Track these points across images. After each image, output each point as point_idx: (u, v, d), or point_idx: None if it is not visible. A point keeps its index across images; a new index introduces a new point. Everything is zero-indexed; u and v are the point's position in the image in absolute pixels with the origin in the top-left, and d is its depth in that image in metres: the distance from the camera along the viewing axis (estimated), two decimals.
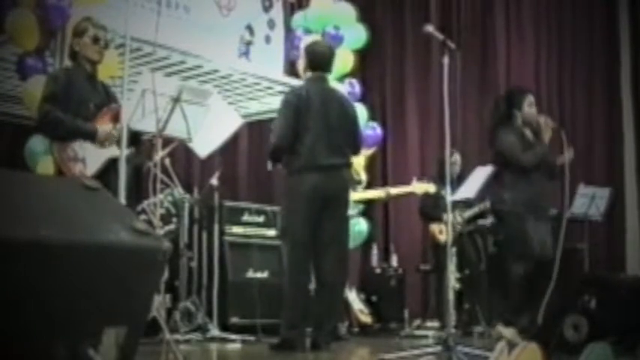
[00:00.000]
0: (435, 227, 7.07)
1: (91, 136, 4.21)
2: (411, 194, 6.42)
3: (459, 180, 6.40)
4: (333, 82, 7.52)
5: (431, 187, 6.13)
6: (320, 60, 4.86)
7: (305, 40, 7.33)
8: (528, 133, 5.26)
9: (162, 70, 6.20)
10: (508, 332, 4.96)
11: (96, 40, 4.35)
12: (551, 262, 5.03)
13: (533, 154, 5.12)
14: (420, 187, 6.18)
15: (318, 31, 7.48)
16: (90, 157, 4.19)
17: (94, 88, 4.42)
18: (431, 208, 6.97)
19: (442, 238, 6.92)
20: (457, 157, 6.99)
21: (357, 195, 6.35)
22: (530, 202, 5.12)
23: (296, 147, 4.64)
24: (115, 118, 4.27)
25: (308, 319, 4.70)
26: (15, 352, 2.15)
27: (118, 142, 4.04)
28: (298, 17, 7.64)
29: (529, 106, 5.23)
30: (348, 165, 4.85)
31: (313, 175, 4.62)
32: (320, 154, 4.64)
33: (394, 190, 6.36)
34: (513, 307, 5.12)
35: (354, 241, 7.33)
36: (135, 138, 4.33)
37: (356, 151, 4.99)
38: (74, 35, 4.42)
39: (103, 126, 4.24)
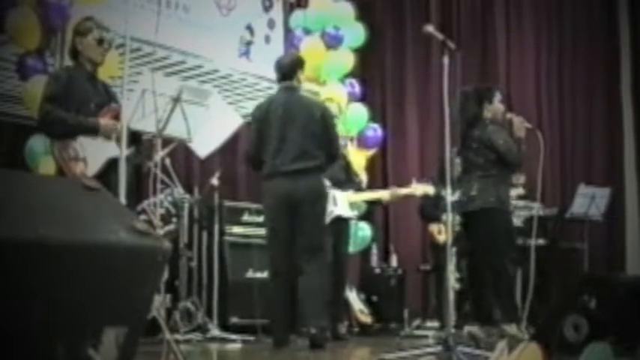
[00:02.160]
0: (433, 227, 7.07)
1: (94, 131, 4.21)
2: (410, 196, 6.41)
3: (460, 181, 6.39)
4: (334, 82, 7.55)
5: (430, 190, 6.13)
6: (280, 70, 5.09)
7: (304, 41, 7.34)
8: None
9: (162, 70, 6.19)
10: (510, 329, 4.96)
11: (100, 42, 4.35)
12: None
13: (518, 152, 5.15)
14: (420, 188, 6.18)
15: (318, 30, 7.48)
16: (91, 157, 4.19)
17: (95, 88, 4.42)
18: (430, 208, 6.97)
19: (441, 238, 6.92)
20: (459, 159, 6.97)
21: (361, 195, 6.33)
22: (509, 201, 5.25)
23: (263, 156, 4.89)
24: (116, 118, 4.26)
25: (295, 318, 4.90)
26: (15, 352, 2.15)
27: (118, 140, 4.03)
28: (297, 16, 7.63)
29: (499, 102, 5.28)
30: (319, 168, 4.93)
31: (276, 181, 4.83)
32: (282, 160, 4.82)
33: (401, 191, 6.33)
34: (509, 305, 5.11)
35: (358, 247, 7.33)
36: (135, 138, 4.33)
37: (331, 154, 5.03)
38: (77, 34, 4.41)
39: (106, 119, 4.25)
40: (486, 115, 5.20)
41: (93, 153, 4.20)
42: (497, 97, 5.28)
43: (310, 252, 4.81)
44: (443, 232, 6.89)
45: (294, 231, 4.82)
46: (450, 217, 4.48)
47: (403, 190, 6.27)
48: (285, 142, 4.83)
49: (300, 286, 4.82)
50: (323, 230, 5.02)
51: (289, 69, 5.06)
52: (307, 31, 7.46)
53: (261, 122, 4.93)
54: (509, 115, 5.19)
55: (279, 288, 4.82)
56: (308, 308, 4.78)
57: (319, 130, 4.93)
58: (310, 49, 7.26)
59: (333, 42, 7.42)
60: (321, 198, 4.96)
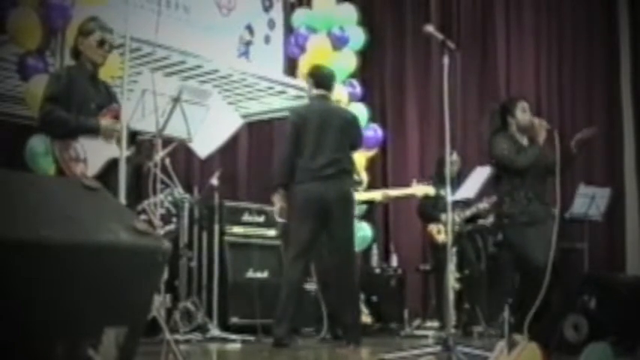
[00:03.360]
0: (432, 227, 7.07)
1: (95, 131, 4.21)
2: (410, 196, 6.42)
3: (456, 180, 6.40)
4: (337, 84, 7.53)
5: (430, 190, 6.14)
6: (317, 79, 5.31)
7: (310, 40, 7.33)
8: (522, 138, 5.22)
9: (162, 70, 6.19)
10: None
11: (102, 43, 4.35)
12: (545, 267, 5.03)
13: (524, 156, 5.09)
14: (420, 189, 6.19)
15: (323, 30, 7.47)
16: (91, 158, 4.19)
17: (96, 88, 4.42)
18: (429, 208, 6.98)
19: (440, 238, 6.92)
20: (455, 157, 6.98)
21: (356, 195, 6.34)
22: (527, 209, 5.11)
23: (298, 161, 5.05)
24: (116, 118, 4.26)
25: (298, 316, 5.08)
26: (15, 352, 2.15)
27: (119, 141, 4.03)
28: (299, 15, 7.60)
29: (522, 112, 5.20)
30: (349, 173, 5.18)
31: (310, 185, 5.00)
32: (317, 165, 5.00)
33: (392, 192, 6.36)
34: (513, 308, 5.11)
35: (359, 247, 7.33)
36: (133, 137, 4.33)
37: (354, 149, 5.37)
38: (79, 34, 4.41)
39: (106, 120, 4.25)
40: (512, 129, 5.21)
41: (93, 153, 4.20)
42: (520, 107, 5.22)
43: (343, 251, 5.05)
44: (442, 232, 6.90)
45: (318, 235, 5.03)
46: (450, 217, 4.48)
47: (394, 192, 6.30)
48: (321, 147, 5.04)
49: (335, 287, 5.12)
50: (353, 232, 5.24)
51: (327, 80, 5.31)
52: (313, 31, 7.43)
53: (299, 126, 5.11)
54: (532, 120, 5.17)
55: (288, 289, 4.94)
56: (340, 309, 5.06)
57: (351, 138, 5.22)
58: (317, 48, 7.25)
59: (339, 43, 7.41)
60: (351, 201, 5.20)
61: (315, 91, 5.29)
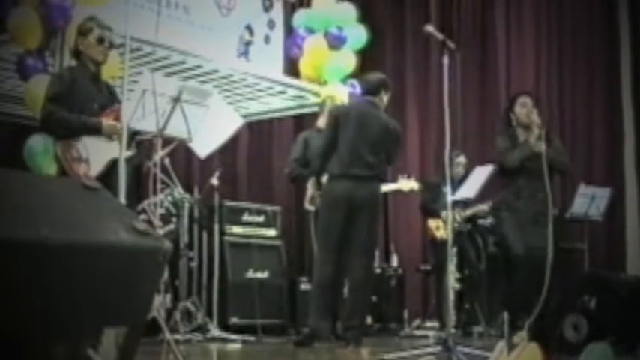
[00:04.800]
0: (432, 223, 7.07)
1: (97, 131, 4.22)
2: (397, 191, 6.42)
3: (461, 182, 6.40)
4: (337, 83, 7.53)
5: (415, 185, 6.18)
6: (366, 85, 5.40)
7: (308, 40, 7.31)
8: (523, 135, 5.22)
9: (162, 70, 6.19)
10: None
11: (101, 40, 4.35)
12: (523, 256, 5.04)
13: (511, 155, 5.13)
14: (406, 184, 6.21)
15: (321, 30, 7.46)
16: (94, 158, 4.19)
17: (98, 89, 4.42)
18: (429, 203, 6.98)
19: (439, 234, 6.92)
20: (462, 159, 6.98)
21: None
22: (513, 206, 5.14)
23: (333, 156, 5.12)
24: (118, 119, 4.26)
25: (332, 312, 5.18)
26: (15, 352, 2.15)
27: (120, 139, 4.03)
28: (300, 16, 7.59)
29: (520, 107, 5.21)
30: (377, 177, 5.20)
31: (342, 183, 5.07)
32: (348, 164, 5.04)
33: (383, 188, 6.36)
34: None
35: None
36: (132, 137, 4.33)
37: (389, 163, 5.42)
38: (79, 34, 4.42)
39: (108, 120, 4.25)
40: (514, 125, 5.25)
41: (96, 154, 4.21)
42: (519, 102, 5.24)
43: (362, 252, 5.08)
44: (441, 228, 6.90)
45: (347, 232, 5.04)
46: (450, 217, 4.48)
47: (384, 188, 6.31)
48: (356, 147, 5.07)
49: (349, 281, 5.15)
50: (376, 236, 5.32)
51: (375, 87, 5.29)
52: (310, 31, 7.42)
53: (338, 121, 5.18)
54: (529, 115, 5.18)
55: (323, 279, 5.03)
56: (350, 310, 5.07)
57: (388, 149, 5.24)
58: (313, 48, 7.24)
59: (336, 42, 7.39)
60: (379, 203, 5.28)
61: (363, 97, 5.41)
